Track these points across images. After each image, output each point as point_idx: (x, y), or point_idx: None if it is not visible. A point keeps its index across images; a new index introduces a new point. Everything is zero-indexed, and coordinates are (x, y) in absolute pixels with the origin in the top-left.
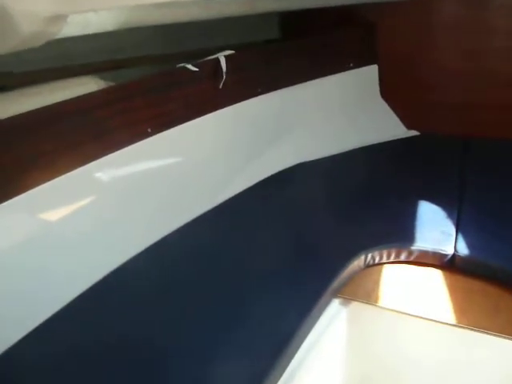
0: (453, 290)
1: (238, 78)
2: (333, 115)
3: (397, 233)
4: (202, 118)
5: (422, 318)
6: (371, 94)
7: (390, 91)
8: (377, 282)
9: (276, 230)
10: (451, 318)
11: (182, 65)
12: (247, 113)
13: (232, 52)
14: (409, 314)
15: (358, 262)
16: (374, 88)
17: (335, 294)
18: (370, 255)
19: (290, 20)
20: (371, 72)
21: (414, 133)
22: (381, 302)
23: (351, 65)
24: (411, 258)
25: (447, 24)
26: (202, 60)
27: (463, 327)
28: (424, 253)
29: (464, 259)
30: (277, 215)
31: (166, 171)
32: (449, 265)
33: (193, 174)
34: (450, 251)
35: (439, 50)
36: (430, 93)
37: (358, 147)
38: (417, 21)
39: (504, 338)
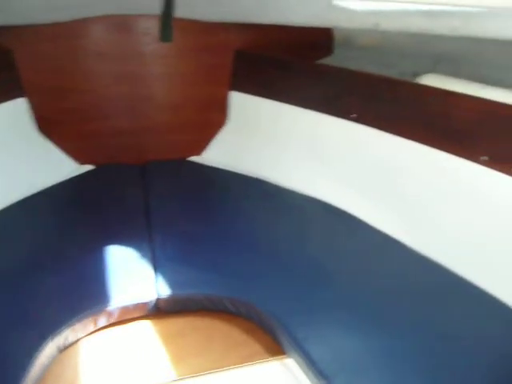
0: (166, 339)
1: None
2: None
3: (89, 296)
4: None
5: None
6: (27, 133)
7: (50, 126)
8: (75, 370)
9: None
10: (172, 372)
11: None
12: None
13: None
14: None
15: (49, 352)
16: (29, 125)
17: None
18: (60, 337)
19: None
20: (19, 107)
21: (88, 167)
22: None
23: None
24: (112, 320)
25: (98, 50)
26: None
27: (186, 378)
28: (125, 309)
29: (168, 301)
30: None
31: None
32: (155, 312)
33: None
34: (152, 297)
35: (94, 77)
36: (94, 123)
37: (26, 196)
38: (63, 47)
39: (222, 371)
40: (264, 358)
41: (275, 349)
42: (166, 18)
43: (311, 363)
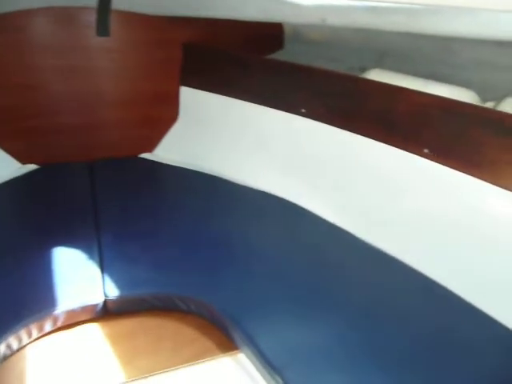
0: (115, 341)
1: None
2: None
3: (34, 300)
4: None
5: None
6: None
7: None
8: (20, 379)
9: None
10: (121, 374)
11: None
12: None
13: None
14: None
15: None
16: None
17: None
18: (3, 345)
19: None
20: None
21: (31, 167)
22: None
23: None
24: (59, 325)
25: (40, 43)
26: None
27: (136, 380)
28: (72, 313)
29: (116, 302)
30: None
31: None
32: (103, 314)
33: None
34: (99, 299)
35: (36, 72)
36: (37, 120)
37: None
38: (1, 40)
39: (173, 370)
40: (216, 355)
41: (227, 345)
42: (102, 11)
43: (262, 357)
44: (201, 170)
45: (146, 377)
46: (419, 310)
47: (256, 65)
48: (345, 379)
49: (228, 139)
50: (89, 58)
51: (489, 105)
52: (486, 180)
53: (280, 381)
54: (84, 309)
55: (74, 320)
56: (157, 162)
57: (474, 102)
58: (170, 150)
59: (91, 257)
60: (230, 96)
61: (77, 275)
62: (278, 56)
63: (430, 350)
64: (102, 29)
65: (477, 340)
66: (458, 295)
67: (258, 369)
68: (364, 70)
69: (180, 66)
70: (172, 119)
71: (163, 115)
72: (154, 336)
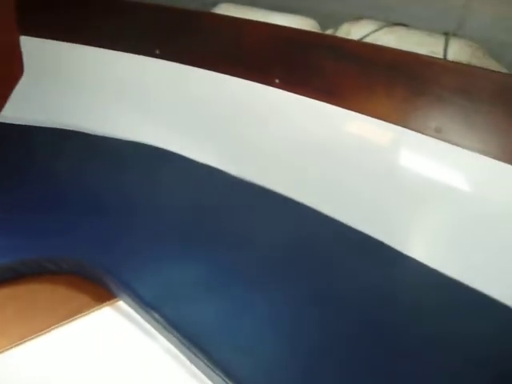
0: None
1: None
2: None
3: None
4: None
5: None
6: None
7: None
8: None
9: None
10: None
11: None
12: None
13: None
14: None
15: None
16: None
17: None
18: None
19: None
20: None
21: None
22: None
23: None
24: None
25: None
26: None
27: (6, 350)
28: None
29: None
30: None
31: None
32: None
33: None
34: None
35: None
36: None
37: None
38: None
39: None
40: (94, 307)
41: (105, 296)
42: None
43: (139, 299)
44: (58, 127)
45: (19, 344)
46: (286, 232)
47: (104, 7)
48: (220, 304)
49: (83, 90)
50: None
51: (329, 32)
52: (333, 104)
53: (159, 317)
54: None
55: None
56: (6, 124)
57: (316, 30)
58: (21, 110)
59: None
60: (78, 43)
61: None
62: None
63: (295, 263)
64: None
65: (336, 249)
66: (319, 210)
67: (136, 311)
68: (215, 5)
69: (14, 12)
70: (16, 75)
71: (4, 72)
72: (25, 303)
